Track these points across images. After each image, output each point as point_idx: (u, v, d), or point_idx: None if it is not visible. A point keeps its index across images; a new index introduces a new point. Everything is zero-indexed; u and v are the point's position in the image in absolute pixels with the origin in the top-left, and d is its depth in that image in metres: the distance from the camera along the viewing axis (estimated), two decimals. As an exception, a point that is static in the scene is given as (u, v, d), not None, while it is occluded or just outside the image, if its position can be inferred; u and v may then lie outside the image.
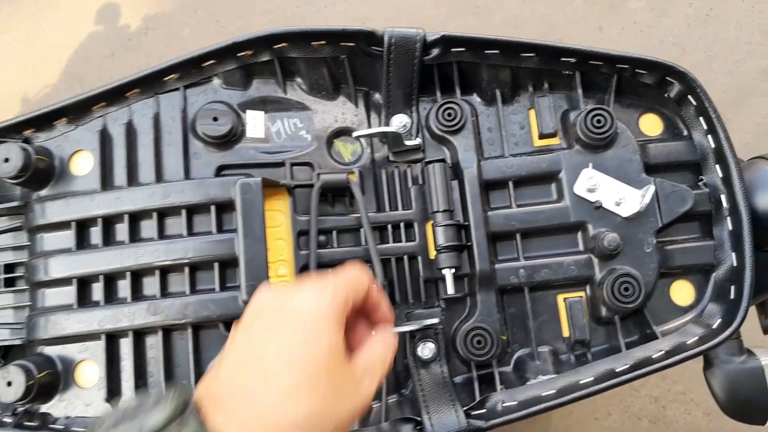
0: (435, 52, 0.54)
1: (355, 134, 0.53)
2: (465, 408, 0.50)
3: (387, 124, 0.57)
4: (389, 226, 0.55)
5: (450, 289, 0.53)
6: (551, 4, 1.65)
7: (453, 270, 0.52)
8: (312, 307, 0.35)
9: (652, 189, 0.51)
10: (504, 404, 0.50)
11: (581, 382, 0.51)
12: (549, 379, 0.51)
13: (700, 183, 0.56)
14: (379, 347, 0.39)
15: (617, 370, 0.51)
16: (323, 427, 0.33)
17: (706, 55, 1.53)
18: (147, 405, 0.31)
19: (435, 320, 0.54)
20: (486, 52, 0.55)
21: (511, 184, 0.55)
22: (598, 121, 0.53)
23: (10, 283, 0.56)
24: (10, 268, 0.56)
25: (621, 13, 1.66)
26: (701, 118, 0.55)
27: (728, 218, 0.54)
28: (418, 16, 1.69)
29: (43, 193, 0.55)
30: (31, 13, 1.84)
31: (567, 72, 0.56)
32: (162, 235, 0.53)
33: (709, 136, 0.55)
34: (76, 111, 0.55)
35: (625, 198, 0.54)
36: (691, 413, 1.41)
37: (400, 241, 0.55)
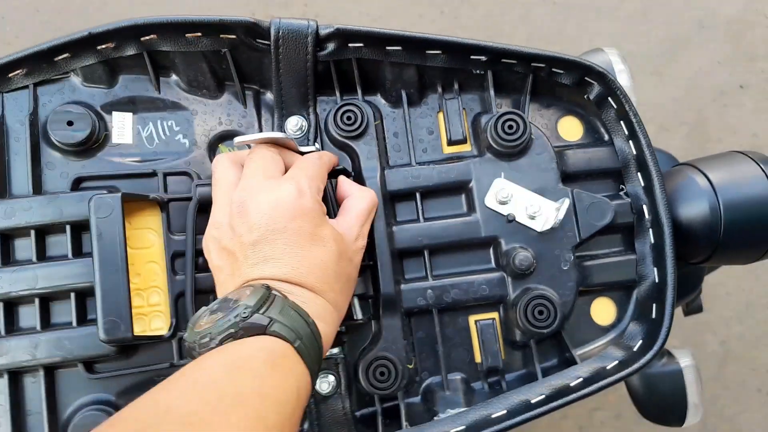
0: (330, 47, 0.48)
1: (236, 140, 0.46)
2: (364, 450, 0.44)
3: (281, 127, 0.51)
4: (281, 244, 0.49)
5: (358, 314, 0.47)
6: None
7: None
8: (306, 209, 0.40)
9: (567, 203, 0.47)
10: (407, 444, 0.45)
11: (493, 416, 0.46)
12: (458, 413, 0.46)
13: (621, 192, 0.52)
14: (355, 202, 0.44)
15: (532, 402, 0.46)
16: (343, 258, 0.41)
17: (642, 4, 1.46)
18: (236, 298, 0.36)
19: (335, 350, 0.48)
20: (387, 48, 0.49)
21: (418, 195, 0.50)
22: (510, 127, 0.48)
23: None
24: None
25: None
26: (622, 123, 0.51)
27: (650, 230, 0.50)
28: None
29: None
30: None
31: (478, 71, 0.51)
32: (7, 261, 0.45)
33: (630, 142, 0.51)
34: None
35: (540, 211, 0.49)
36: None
37: (294, 261, 0.49)
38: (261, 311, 0.35)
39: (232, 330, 0.34)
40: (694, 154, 1.32)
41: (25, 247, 0.45)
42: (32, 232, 0.44)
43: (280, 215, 0.39)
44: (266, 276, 0.38)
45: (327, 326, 0.39)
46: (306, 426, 0.48)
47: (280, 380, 0.33)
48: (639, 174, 0.50)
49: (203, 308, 0.37)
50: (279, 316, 0.35)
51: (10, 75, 0.46)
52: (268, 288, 0.37)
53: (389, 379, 0.47)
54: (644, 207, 0.50)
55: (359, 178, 0.49)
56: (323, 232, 0.40)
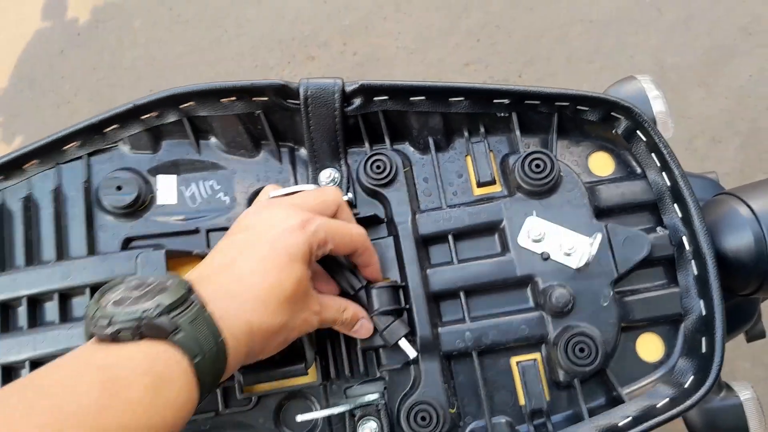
0: (357, 101, 0.50)
1: (272, 194, 0.49)
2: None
3: (315, 179, 0.53)
4: (319, 293, 0.50)
5: (411, 353, 0.47)
6: None
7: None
8: (290, 242, 0.40)
9: (599, 237, 0.46)
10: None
11: (537, 460, 0.44)
12: (502, 459, 0.45)
13: (658, 228, 0.51)
14: (342, 302, 0.46)
15: (578, 444, 0.45)
16: (279, 334, 0.40)
17: (685, 13, 1.43)
18: (155, 286, 0.35)
19: (375, 396, 0.49)
20: (411, 99, 0.50)
21: (451, 237, 0.51)
22: (537, 166, 0.49)
23: None
24: None
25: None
26: (653, 155, 0.51)
27: (692, 262, 0.49)
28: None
29: (-60, 277, 0.50)
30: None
31: (503, 114, 0.52)
32: (66, 317, 0.48)
33: (664, 173, 0.50)
34: (-27, 187, 0.51)
35: (575, 247, 0.48)
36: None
37: (333, 308, 0.50)
38: (171, 315, 0.33)
39: (133, 324, 0.32)
40: (751, 165, 1.28)
41: (80, 305, 0.48)
42: (87, 290, 0.47)
43: (265, 231, 0.40)
44: (202, 276, 0.38)
45: (237, 352, 0.36)
46: (348, 470, 0.48)
47: (157, 413, 0.31)
48: (675, 205, 0.50)
49: (126, 278, 0.37)
50: (188, 326, 0.33)
51: (65, 147, 0.50)
52: (190, 290, 0.35)
53: (431, 425, 0.47)
54: (684, 238, 0.49)
55: (391, 224, 0.51)
56: (293, 272, 0.39)
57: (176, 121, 0.51)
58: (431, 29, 1.50)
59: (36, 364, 0.47)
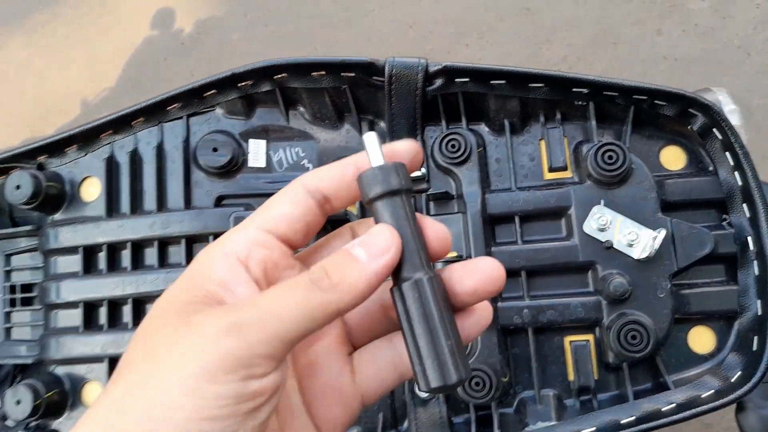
0: (438, 82, 0.53)
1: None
2: (457, 455, 0.48)
3: (392, 153, 0.56)
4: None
5: None
6: (606, 4, 1.58)
7: None
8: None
9: (663, 233, 0.48)
10: (498, 452, 0.48)
11: (582, 433, 0.48)
12: (548, 427, 0.49)
13: (724, 222, 0.52)
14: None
15: (622, 422, 0.48)
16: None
17: None
18: None
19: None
20: (492, 82, 0.52)
21: (517, 219, 0.53)
22: (610, 158, 0.50)
23: (27, 301, 0.58)
24: (27, 287, 0.58)
25: (682, 14, 1.56)
26: (727, 154, 0.51)
27: (755, 262, 0.50)
28: (466, 20, 1.65)
29: (57, 216, 0.57)
30: (91, 17, 1.91)
31: (580, 102, 0.53)
32: (163, 263, 0.53)
33: (736, 173, 0.51)
34: (85, 138, 0.56)
35: (638, 239, 0.50)
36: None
37: (400, 275, 0.54)
38: None
39: None
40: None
41: (176, 252, 0.53)
42: (183, 240, 0.53)
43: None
44: None
45: None
46: (405, 425, 0.53)
47: None
48: (744, 205, 0.50)
49: None
50: None
51: (168, 108, 0.55)
52: None
53: (484, 390, 0.51)
54: (749, 238, 0.50)
55: (460, 201, 0.54)
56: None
57: (269, 90, 0.55)
58: (512, 58, 1.51)
59: (138, 301, 0.53)
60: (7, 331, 0.58)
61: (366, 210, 0.55)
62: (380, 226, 0.29)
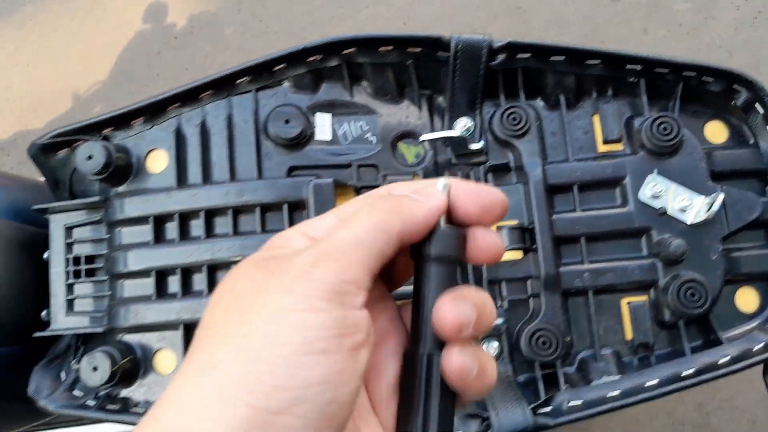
0: (501, 58, 0.55)
1: (422, 138, 0.55)
2: (531, 405, 0.51)
3: (450, 127, 0.58)
4: (453, 228, 0.56)
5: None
6: (594, 5, 1.65)
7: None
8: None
9: (721, 197, 0.52)
10: (569, 403, 0.51)
11: (646, 384, 0.51)
12: (613, 381, 0.52)
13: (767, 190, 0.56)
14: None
15: (682, 374, 0.51)
16: None
17: (754, 59, 1.51)
18: None
19: (500, 320, 0.55)
20: (552, 59, 0.55)
21: (575, 188, 0.56)
22: (665, 129, 0.54)
23: (90, 273, 0.58)
24: (89, 259, 0.59)
25: (666, 14, 1.64)
26: (768, 126, 0.55)
27: (794, 227, 0.54)
28: (459, 18, 1.69)
29: (120, 189, 0.57)
30: (81, 11, 1.89)
31: (632, 79, 0.56)
32: (236, 231, 0.55)
33: (777, 144, 0.55)
34: (152, 111, 0.57)
35: (691, 205, 0.54)
36: (735, 421, 1.39)
37: (464, 243, 0.56)
38: None
39: None
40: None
41: (249, 221, 0.55)
42: (257, 209, 0.54)
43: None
44: None
45: None
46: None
47: None
48: (785, 174, 0.55)
49: None
50: None
51: (237, 81, 0.56)
52: None
53: (550, 348, 0.53)
54: (789, 204, 0.54)
55: (520, 172, 0.56)
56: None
57: (335, 66, 0.56)
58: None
59: (213, 268, 0.54)
60: (70, 303, 0.58)
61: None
62: (430, 181, 0.31)
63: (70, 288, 0.58)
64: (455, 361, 0.28)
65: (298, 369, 0.24)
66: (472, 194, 0.31)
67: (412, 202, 0.29)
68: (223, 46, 1.77)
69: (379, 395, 0.30)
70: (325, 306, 0.26)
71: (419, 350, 0.29)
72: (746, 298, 0.56)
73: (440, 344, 0.29)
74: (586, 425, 1.41)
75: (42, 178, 0.64)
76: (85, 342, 0.59)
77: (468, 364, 0.28)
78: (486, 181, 0.58)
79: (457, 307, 0.28)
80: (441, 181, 0.30)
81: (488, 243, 0.30)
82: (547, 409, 0.51)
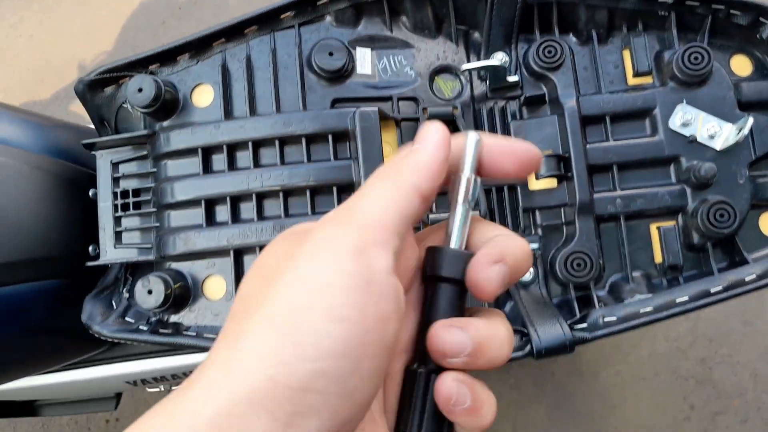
0: (538, -8, 0.57)
1: (463, 67, 0.57)
2: (568, 322, 0.53)
3: (486, 62, 0.60)
4: (490, 158, 0.58)
5: None
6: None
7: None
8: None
9: (751, 120, 0.54)
10: (605, 319, 0.53)
11: (677, 300, 0.54)
12: (646, 298, 0.55)
13: (790, 119, 0.58)
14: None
15: (711, 291, 0.54)
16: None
17: None
18: None
19: (536, 245, 0.58)
20: (587, -9, 0.57)
21: (607, 119, 0.58)
22: (695, 58, 0.56)
23: (136, 206, 0.60)
24: (136, 193, 0.60)
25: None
26: (793, 57, 0.58)
27: (817, 153, 0.56)
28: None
29: (167, 123, 0.59)
30: (86, -19, 1.88)
31: (662, 13, 0.59)
32: (283, 161, 0.57)
33: (801, 74, 0.57)
34: (198, 47, 0.59)
35: (720, 131, 0.56)
36: (737, 375, 1.43)
37: (501, 172, 0.58)
38: None
39: None
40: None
41: (296, 152, 0.57)
42: (303, 140, 0.56)
43: None
44: None
45: None
46: (509, 306, 0.58)
47: None
48: (808, 103, 0.57)
49: None
50: None
51: (282, 16, 0.58)
52: None
53: (584, 269, 0.56)
54: (812, 132, 0.57)
55: (554, 104, 0.58)
56: None
57: (376, 0, 0.58)
58: None
59: (261, 196, 0.56)
60: (118, 235, 0.60)
61: (464, 113, 0.59)
62: (423, 125, 0.30)
63: (117, 221, 0.60)
64: (444, 386, 0.28)
65: (321, 338, 0.24)
66: (505, 150, 0.31)
67: (414, 152, 0.29)
68: (227, 16, 1.78)
69: (390, 405, 0.31)
70: (349, 268, 0.25)
71: (419, 368, 0.29)
72: (770, 223, 0.58)
73: (441, 366, 0.29)
74: (593, 378, 1.45)
75: (81, 123, 0.66)
76: (132, 274, 0.61)
77: (456, 394, 0.28)
78: (521, 114, 0.60)
79: (449, 335, 0.28)
80: (471, 136, 0.30)
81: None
82: (584, 324, 0.54)
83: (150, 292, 0.54)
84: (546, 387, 1.46)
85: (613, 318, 0.54)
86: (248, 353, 0.24)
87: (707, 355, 1.45)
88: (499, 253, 0.29)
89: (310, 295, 0.25)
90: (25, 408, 1.17)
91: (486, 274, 0.29)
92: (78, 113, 1.72)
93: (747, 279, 0.54)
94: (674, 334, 1.48)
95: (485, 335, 0.29)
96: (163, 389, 1.13)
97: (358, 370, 0.24)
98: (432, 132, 0.30)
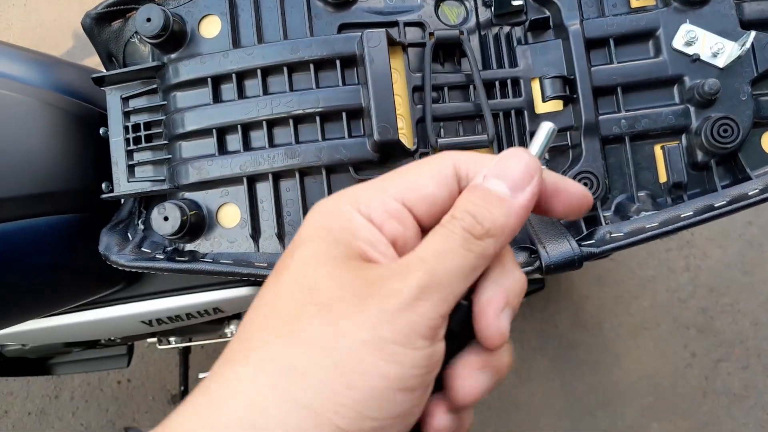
0: None
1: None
2: (576, 239, 0.55)
3: (490, -12, 0.61)
4: (497, 83, 0.59)
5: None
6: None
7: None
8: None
9: (753, 34, 0.55)
10: (611, 234, 0.54)
11: (682, 215, 0.55)
12: (652, 214, 0.56)
13: (792, 37, 0.59)
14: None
15: (716, 205, 0.55)
16: None
17: None
18: None
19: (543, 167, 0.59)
20: None
21: (611, 41, 0.59)
22: (699, -25, 0.56)
23: (148, 139, 0.61)
24: (147, 126, 0.61)
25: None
26: (796, -26, 0.58)
27: (819, 70, 0.57)
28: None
29: (174, 56, 0.60)
30: (79, -53, 1.86)
31: (665, -67, 0.59)
32: (292, 88, 0.57)
33: (803, -8, 0.58)
34: (204, -22, 0.59)
35: (723, 48, 0.57)
36: (738, 323, 1.45)
37: (507, 97, 0.59)
38: None
39: None
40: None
41: (304, 79, 0.57)
42: (311, 66, 0.56)
43: None
44: None
45: None
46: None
47: None
48: (810, 20, 0.58)
49: None
50: None
51: (287, -56, 0.58)
52: None
53: (591, 189, 0.57)
54: (814, 49, 0.57)
55: (559, 28, 0.59)
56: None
57: (380, -74, 0.58)
58: None
59: (271, 123, 0.57)
60: (131, 168, 0.61)
61: (470, 38, 0.60)
62: (513, 149, 0.28)
63: (130, 155, 0.61)
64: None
65: (388, 403, 0.25)
66: (560, 190, 0.30)
67: (501, 204, 0.27)
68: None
69: None
70: (423, 345, 0.25)
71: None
72: (772, 140, 0.59)
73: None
74: (597, 330, 1.47)
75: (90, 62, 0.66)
76: (147, 207, 0.62)
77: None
78: (526, 39, 0.60)
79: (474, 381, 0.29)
80: (544, 129, 0.30)
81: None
82: (591, 240, 0.55)
83: (166, 218, 0.55)
84: (550, 339, 1.48)
85: (620, 233, 0.55)
86: (313, 396, 0.24)
87: (708, 305, 1.47)
88: (504, 298, 0.28)
89: (384, 362, 0.24)
90: (38, 366, 1.19)
91: (497, 327, 0.28)
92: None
93: (750, 193, 0.55)
94: (675, 285, 1.50)
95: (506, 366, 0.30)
96: (174, 344, 1.15)
97: (407, 426, 0.26)
98: (524, 175, 0.28)
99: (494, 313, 0.28)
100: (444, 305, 0.26)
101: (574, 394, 1.45)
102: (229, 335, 1.10)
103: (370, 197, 0.28)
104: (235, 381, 0.25)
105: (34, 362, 1.16)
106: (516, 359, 0.31)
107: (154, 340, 1.13)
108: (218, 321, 1.00)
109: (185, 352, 1.37)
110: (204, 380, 0.26)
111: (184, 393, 1.39)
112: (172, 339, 1.12)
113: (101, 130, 0.65)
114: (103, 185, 0.64)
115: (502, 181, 0.27)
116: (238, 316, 0.99)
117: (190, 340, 1.24)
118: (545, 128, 0.30)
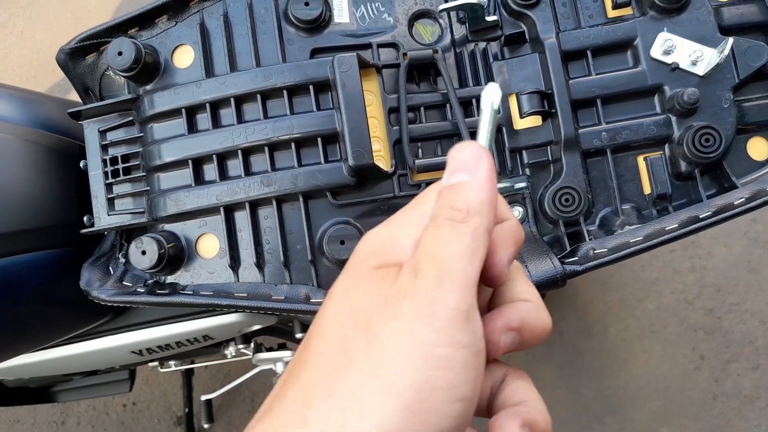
0: (512, -73, 0.57)
1: (441, 7, 0.56)
2: (558, 256, 0.54)
3: None
4: (473, 101, 0.58)
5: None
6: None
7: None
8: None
9: (731, 40, 0.53)
10: (595, 251, 0.53)
11: (667, 228, 0.54)
12: (636, 228, 0.55)
13: (773, 41, 0.58)
14: None
15: (701, 216, 0.54)
16: None
17: None
18: None
19: (523, 184, 0.58)
20: (561, -76, 0.57)
21: (589, 53, 0.58)
22: (674, -18, 0.55)
23: (126, 172, 0.60)
24: (125, 159, 0.61)
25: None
26: (774, -23, 0.57)
27: (802, 73, 0.56)
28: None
29: (150, 87, 0.59)
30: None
31: (639, -60, 0.58)
32: (266, 115, 0.57)
33: (782, -6, 0.57)
34: (176, 7, 0.59)
35: (702, 56, 0.56)
36: (746, 323, 1.43)
37: (485, 114, 0.58)
38: None
39: None
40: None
41: (278, 106, 0.57)
42: (285, 92, 0.56)
43: None
44: None
45: None
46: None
47: None
48: (791, 23, 0.56)
49: None
50: None
51: (255, -29, 0.58)
52: None
53: (573, 204, 0.56)
54: (796, 53, 0.56)
55: (535, 42, 0.58)
56: None
57: (349, -52, 0.58)
58: None
59: (246, 152, 0.56)
60: (110, 202, 0.60)
61: (445, 56, 0.59)
62: (457, 145, 0.30)
63: (109, 188, 0.60)
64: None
65: (443, 419, 0.25)
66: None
67: (468, 189, 0.29)
68: None
69: None
70: (463, 340, 0.26)
71: None
72: (757, 147, 0.58)
73: None
74: (602, 334, 1.45)
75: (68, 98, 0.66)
76: (128, 239, 0.61)
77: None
78: (502, 55, 0.60)
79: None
80: (490, 90, 0.32)
81: (541, 319, 0.31)
82: (574, 258, 0.54)
83: (144, 252, 0.54)
84: (555, 346, 1.46)
85: (604, 249, 0.54)
86: (363, 421, 0.24)
87: (715, 305, 1.45)
88: (519, 321, 0.30)
89: (433, 371, 0.25)
90: (41, 395, 1.19)
91: (495, 337, 0.29)
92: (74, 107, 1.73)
93: (736, 203, 0.54)
94: (681, 286, 1.48)
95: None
96: (174, 367, 1.14)
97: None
98: (473, 159, 0.29)
99: (501, 325, 0.30)
100: (464, 292, 0.26)
101: (582, 401, 1.43)
102: (229, 357, 1.10)
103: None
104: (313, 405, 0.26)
105: (36, 391, 1.16)
106: (523, 368, 0.31)
107: (156, 364, 1.13)
108: (215, 344, 1.00)
109: (188, 374, 1.37)
110: None
111: (189, 415, 1.39)
112: (171, 363, 1.12)
113: (81, 163, 0.65)
114: (85, 219, 0.64)
115: (459, 172, 0.30)
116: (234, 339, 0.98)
117: (192, 362, 1.24)
118: (486, 112, 0.32)
